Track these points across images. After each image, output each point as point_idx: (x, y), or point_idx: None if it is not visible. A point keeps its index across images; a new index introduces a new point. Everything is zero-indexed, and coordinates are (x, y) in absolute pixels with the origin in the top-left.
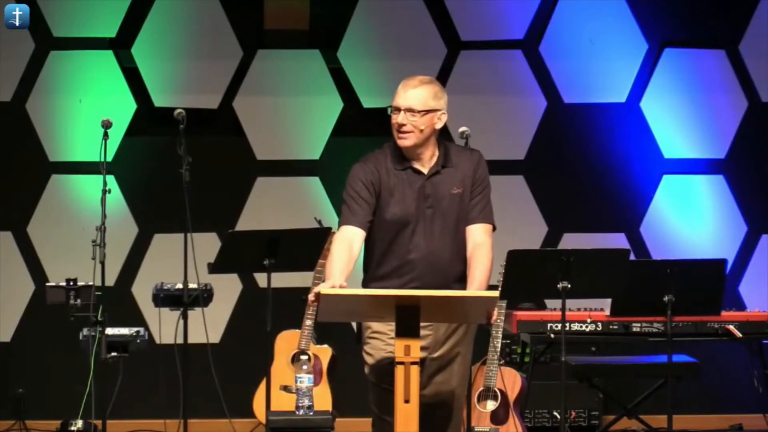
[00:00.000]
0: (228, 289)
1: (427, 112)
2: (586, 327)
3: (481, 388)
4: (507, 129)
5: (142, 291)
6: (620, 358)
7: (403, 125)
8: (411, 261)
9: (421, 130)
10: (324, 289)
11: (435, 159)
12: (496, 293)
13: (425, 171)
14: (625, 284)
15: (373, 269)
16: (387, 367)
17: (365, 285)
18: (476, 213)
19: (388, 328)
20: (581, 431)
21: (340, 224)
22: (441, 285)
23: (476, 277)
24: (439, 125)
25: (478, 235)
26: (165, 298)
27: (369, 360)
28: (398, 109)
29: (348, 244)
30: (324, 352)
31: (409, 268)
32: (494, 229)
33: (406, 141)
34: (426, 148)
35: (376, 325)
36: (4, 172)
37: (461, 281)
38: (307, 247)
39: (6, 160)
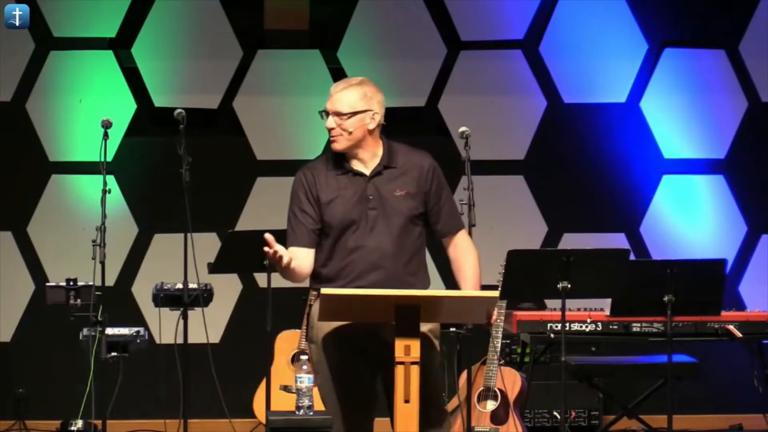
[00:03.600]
0: (228, 289)
1: (355, 113)
2: (586, 327)
3: (481, 388)
4: (507, 129)
5: (142, 291)
6: (620, 358)
7: (332, 129)
8: (353, 262)
9: (350, 133)
10: (325, 290)
11: (377, 159)
12: (496, 293)
13: (367, 172)
14: (625, 284)
15: (318, 271)
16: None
17: (312, 287)
18: (451, 225)
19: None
20: (581, 431)
21: (286, 244)
22: (386, 284)
23: (468, 279)
24: (372, 126)
25: (460, 242)
26: (165, 298)
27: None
28: (327, 113)
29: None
30: None
31: (351, 269)
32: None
33: (336, 145)
34: (363, 149)
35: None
36: (4, 172)
37: (411, 283)
38: None
39: (6, 160)
